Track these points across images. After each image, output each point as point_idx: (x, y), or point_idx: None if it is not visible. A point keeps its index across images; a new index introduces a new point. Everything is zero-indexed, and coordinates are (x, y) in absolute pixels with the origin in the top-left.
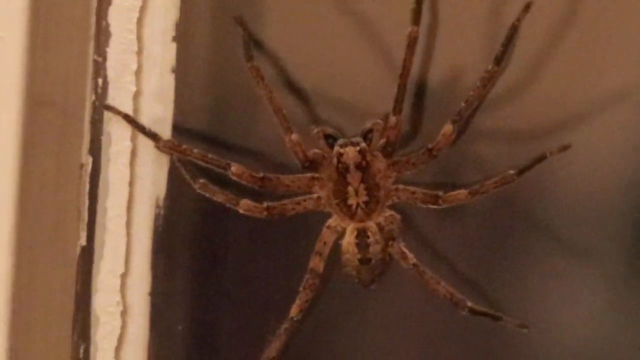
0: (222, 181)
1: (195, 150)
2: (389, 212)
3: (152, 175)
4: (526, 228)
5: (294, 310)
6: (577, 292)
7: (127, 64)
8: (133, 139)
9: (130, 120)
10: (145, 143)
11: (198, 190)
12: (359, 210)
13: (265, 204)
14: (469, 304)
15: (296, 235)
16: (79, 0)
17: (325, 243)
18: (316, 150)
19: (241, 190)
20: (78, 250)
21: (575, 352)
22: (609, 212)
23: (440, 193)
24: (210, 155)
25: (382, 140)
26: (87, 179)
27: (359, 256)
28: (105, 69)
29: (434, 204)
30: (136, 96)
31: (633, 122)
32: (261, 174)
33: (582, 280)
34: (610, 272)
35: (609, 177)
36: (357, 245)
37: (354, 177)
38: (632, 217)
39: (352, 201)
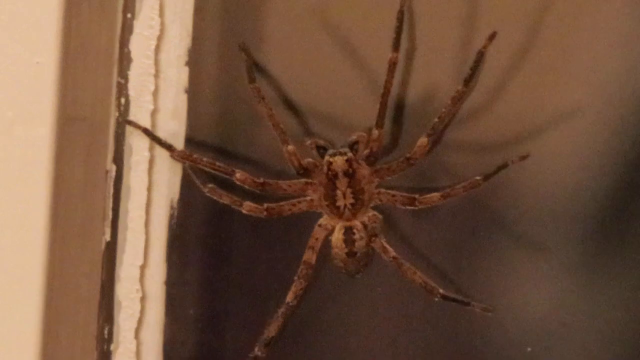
0: (228, 186)
1: (205, 159)
2: (372, 212)
3: (168, 180)
4: (490, 225)
5: (289, 296)
6: (533, 281)
7: (146, 85)
8: (151, 150)
9: (149, 134)
10: (161, 153)
11: (207, 194)
12: (346, 210)
13: (265, 205)
14: (441, 291)
15: (292, 232)
16: (105, 30)
17: (317, 239)
18: (309, 159)
19: (244, 194)
20: (103, 244)
21: (531, 331)
22: (563, 212)
23: (417, 196)
24: (217, 164)
25: (366, 151)
26: (111, 183)
27: (346, 250)
28: (127, 90)
29: (411, 206)
30: (154, 113)
31: (584, 134)
32: (262, 180)
33: (538, 270)
34: (562, 263)
35: (563, 182)
36: (345, 240)
37: (342, 183)
38: (582, 216)
39: (340, 203)
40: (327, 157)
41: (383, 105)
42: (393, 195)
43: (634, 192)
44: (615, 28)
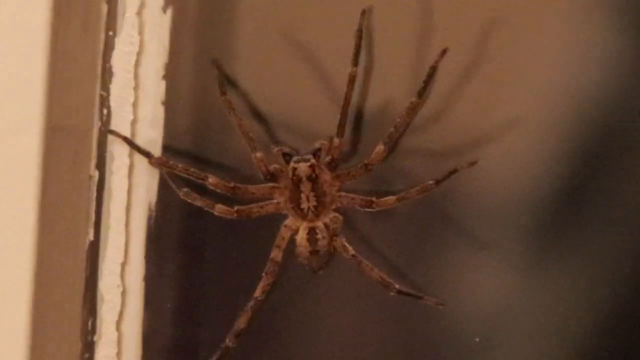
0: (202, 190)
1: (180, 165)
2: (333, 214)
3: (146, 185)
4: (442, 226)
5: (258, 292)
6: (482, 276)
7: (127, 97)
8: (131, 157)
9: (129, 142)
10: (140, 160)
11: (182, 197)
12: (310, 212)
13: (235, 208)
14: (397, 286)
15: (260, 232)
16: (88, 46)
17: (283, 238)
18: (276, 165)
19: (217, 197)
20: (87, 243)
21: (480, 322)
22: (507, 212)
23: (374, 199)
24: (192, 169)
25: (328, 157)
26: (94, 187)
27: (309, 249)
28: (109, 101)
29: (369, 208)
30: (133, 123)
31: (527, 141)
32: (232, 184)
33: (485, 266)
34: (510, 259)
35: (508, 185)
36: (308, 240)
37: (305, 187)
38: (525, 216)
39: (304, 205)
40: (292, 164)
41: (343, 115)
42: (353, 198)
43: (572, 194)
44: (556, 46)
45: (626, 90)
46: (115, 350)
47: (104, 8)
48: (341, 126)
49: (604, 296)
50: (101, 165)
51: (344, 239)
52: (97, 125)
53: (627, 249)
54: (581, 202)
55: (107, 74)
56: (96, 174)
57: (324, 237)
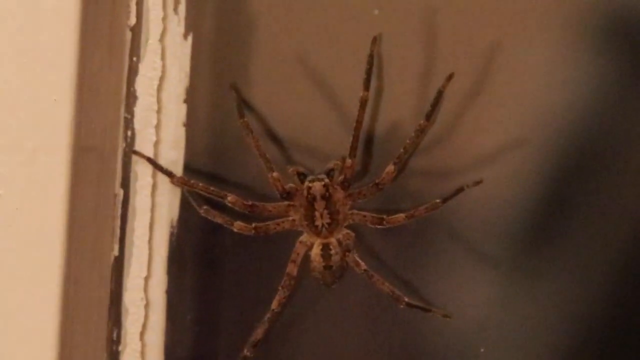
0: (221, 207)
1: (201, 184)
2: (346, 231)
3: (168, 203)
4: (448, 242)
5: (274, 304)
6: (486, 289)
7: (150, 119)
8: (154, 176)
9: (152, 162)
10: (163, 179)
11: (202, 214)
12: (324, 229)
13: (253, 225)
14: (406, 299)
15: (276, 248)
16: (114, 72)
17: (298, 254)
18: (291, 185)
19: (235, 214)
20: (112, 259)
21: (486, 333)
22: (512, 229)
23: (385, 216)
24: (211, 188)
25: (341, 177)
26: (119, 205)
27: (323, 264)
28: (133, 123)
29: (380, 225)
30: (156, 144)
31: (527, 162)
32: (250, 202)
33: (491, 279)
34: (512, 273)
35: (511, 203)
36: (322, 255)
37: (319, 205)
38: (529, 232)
39: (318, 222)
40: (306, 183)
41: (355, 137)
42: (364, 216)
43: (567, 211)
44: (556, 72)
45: (616, 109)
46: None
47: (128, 35)
48: (353, 147)
49: (601, 305)
50: (125, 184)
51: (356, 255)
52: (121, 146)
53: (622, 262)
54: (577, 216)
55: (131, 98)
56: (121, 192)
57: (337, 253)
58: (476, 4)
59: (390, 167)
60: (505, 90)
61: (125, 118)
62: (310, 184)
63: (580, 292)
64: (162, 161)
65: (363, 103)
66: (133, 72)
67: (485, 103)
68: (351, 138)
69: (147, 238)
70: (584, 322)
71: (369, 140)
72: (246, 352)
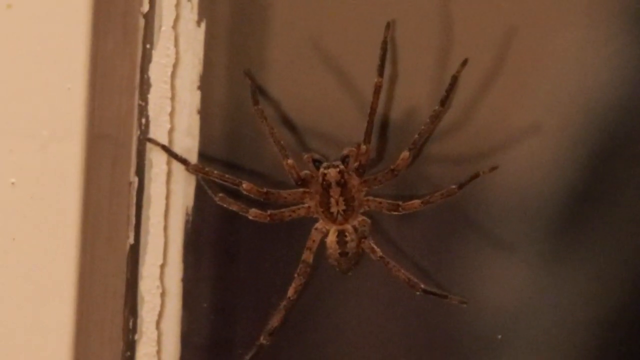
0: (236, 195)
1: (216, 172)
2: (361, 217)
3: (183, 190)
4: (464, 228)
5: (290, 291)
6: (503, 275)
7: (164, 107)
8: (168, 164)
9: (166, 150)
10: (177, 167)
11: (218, 202)
12: (339, 216)
13: (268, 212)
14: (422, 286)
15: (292, 235)
16: (127, 59)
17: (314, 241)
18: (306, 171)
19: (250, 202)
20: (128, 247)
21: (502, 320)
22: (527, 215)
23: (400, 203)
24: (226, 175)
25: (356, 163)
26: (134, 193)
27: (339, 251)
28: (147, 111)
29: (395, 211)
30: (170, 131)
31: (545, 147)
32: (265, 189)
33: (507, 265)
34: (528, 259)
35: (527, 189)
36: (338, 242)
37: (335, 192)
38: (544, 218)
39: (333, 209)
40: (322, 169)
41: (370, 123)
42: (380, 202)
43: (587, 197)
44: (573, 56)
45: (637, 94)
46: (156, 349)
47: (141, 22)
48: (368, 134)
49: (620, 292)
50: (140, 172)
51: (372, 241)
52: (136, 134)
53: None
54: (596, 202)
55: (145, 85)
56: (136, 180)
57: (352, 240)
58: None
59: (405, 153)
60: (521, 75)
61: (139, 105)
62: (325, 171)
63: (599, 278)
64: (177, 149)
65: (377, 89)
66: (146, 59)
67: (501, 88)
68: (366, 124)
69: (162, 226)
70: (602, 308)
71: (384, 127)
72: (262, 339)
